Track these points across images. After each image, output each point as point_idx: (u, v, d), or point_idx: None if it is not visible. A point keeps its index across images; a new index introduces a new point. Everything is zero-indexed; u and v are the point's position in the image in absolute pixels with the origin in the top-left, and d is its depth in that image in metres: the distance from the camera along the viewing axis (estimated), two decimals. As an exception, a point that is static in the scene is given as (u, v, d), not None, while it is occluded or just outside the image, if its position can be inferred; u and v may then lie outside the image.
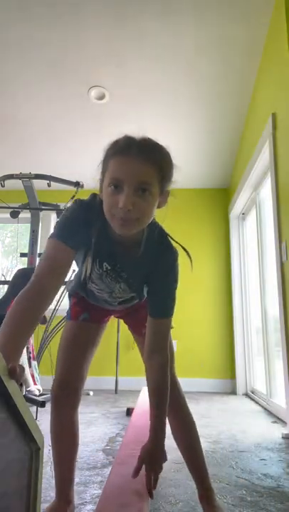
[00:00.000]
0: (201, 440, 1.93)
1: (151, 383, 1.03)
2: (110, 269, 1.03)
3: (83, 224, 0.96)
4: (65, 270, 0.92)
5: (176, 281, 1.13)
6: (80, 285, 1.10)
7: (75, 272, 1.14)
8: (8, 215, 3.43)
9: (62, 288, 3.80)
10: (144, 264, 1.05)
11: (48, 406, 2.90)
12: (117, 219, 0.89)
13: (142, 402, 2.16)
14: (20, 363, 2.49)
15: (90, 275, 1.03)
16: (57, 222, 0.97)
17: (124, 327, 3.37)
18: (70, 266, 0.95)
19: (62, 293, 3.54)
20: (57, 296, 4.13)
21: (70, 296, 1.23)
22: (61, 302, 3.56)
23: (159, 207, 1.02)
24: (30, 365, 2.47)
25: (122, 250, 1.01)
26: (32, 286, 0.85)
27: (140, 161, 0.90)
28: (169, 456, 1.69)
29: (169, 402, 1.03)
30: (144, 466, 0.97)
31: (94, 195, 1.01)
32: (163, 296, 1.11)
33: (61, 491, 1.08)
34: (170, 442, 1.90)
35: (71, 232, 0.94)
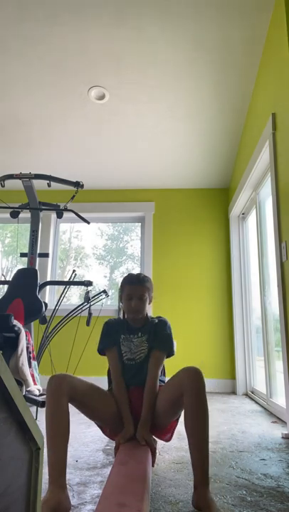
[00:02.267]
0: (201, 440, 1.93)
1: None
2: (127, 337, 1.76)
3: (112, 328, 1.79)
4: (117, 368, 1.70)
5: (170, 332, 1.76)
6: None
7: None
8: (8, 215, 3.43)
9: (62, 288, 3.77)
10: (148, 331, 1.75)
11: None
12: (131, 312, 1.75)
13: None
14: (21, 363, 2.46)
15: (119, 345, 1.73)
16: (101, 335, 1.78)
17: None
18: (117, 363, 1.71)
19: (62, 293, 3.54)
20: (57, 297, 4.12)
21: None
22: (61, 302, 3.56)
23: (149, 303, 1.82)
24: (30, 365, 2.47)
25: (133, 328, 1.78)
26: (115, 381, 1.66)
27: (139, 287, 1.75)
28: (168, 456, 1.69)
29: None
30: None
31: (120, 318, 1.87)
32: (161, 335, 1.73)
33: (56, 478, 1.19)
34: (169, 442, 1.90)
35: (109, 337, 1.76)
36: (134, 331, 1.76)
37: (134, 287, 1.76)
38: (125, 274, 1.88)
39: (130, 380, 1.67)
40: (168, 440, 1.64)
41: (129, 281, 1.79)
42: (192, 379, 1.44)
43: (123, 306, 1.82)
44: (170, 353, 1.72)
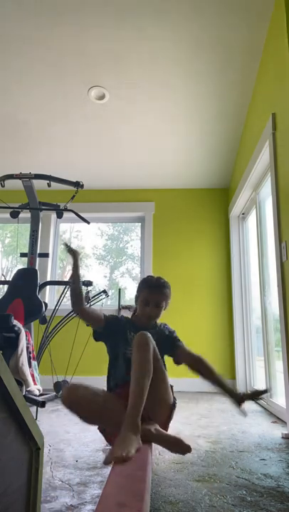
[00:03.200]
0: (201, 440, 1.94)
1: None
2: (131, 338, 1.73)
3: (117, 322, 1.82)
4: (91, 318, 1.77)
5: (175, 333, 1.86)
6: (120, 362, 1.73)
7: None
8: (8, 215, 3.43)
9: (62, 288, 3.78)
10: (154, 334, 1.67)
11: (48, 406, 2.89)
12: (145, 317, 1.79)
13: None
14: (21, 363, 2.46)
15: (128, 340, 1.74)
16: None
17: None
18: (93, 320, 1.78)
19: (62, 293, 3.54)
20: (57, 297, 4.13)
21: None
22: (61, 302, 3.56)
23: (164, 309, 1.83)
24: (30, 365, 2.47)
25: (142, 327, 1.76)
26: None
27: (157, 294, 1.77)
28: (168, 456, 1.69)
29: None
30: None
31: (123, 317, 1.89)
32: (174, 341, 1.82)
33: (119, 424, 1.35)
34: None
35: (111, 321, 1.80)
36: (140, 330, 1.73)
37: (153, 293, 1.76)
38: (145, 276, 1.87)
39: (126, 374, 1.64)
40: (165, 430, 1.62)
41: (149, 285, 1.78)
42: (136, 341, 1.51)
43: (138, 308, 1.82)
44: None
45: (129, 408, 1.35)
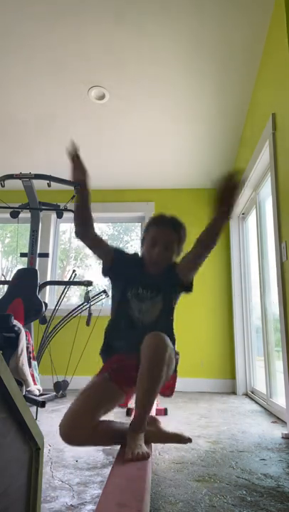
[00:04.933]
0: (201, 440, 1.94)
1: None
2: (140, 293, 1.50)
3: (120, 261, 1.54)
4: (95, 243, 1.53)
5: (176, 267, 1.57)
6: (116, 316, 1.53)
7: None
8: (8, 215, 3.43)
9: (62, 288, 3.79)
10: (164, 282, 1.53)
11: (48, 406, 2.89)
12: (151, 262, 1.50)
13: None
14: (21, 363, 2.45)
15: (127, 298, 1.49)
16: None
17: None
18: (98, 246, 1.54)
19: (62, 293, 3.54)
20: (57, 297, 4.13)
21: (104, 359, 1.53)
22: (61, 302, 3.56)
23: (176, 257, 1.56)
24: (30, 365, 2.48)
25: (150, 279, 1.53)
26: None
27: (168, 231, 1.49)
28: (168, 456, 1.69)
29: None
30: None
31: (136, 254, 1.63)
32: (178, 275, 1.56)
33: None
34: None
35: (120, 256, 1.56)
36: (149, 286, 1.49)
37: (162, 231, 1.47)
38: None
39: (129, 339, 1.44)
40: (169, 395, 1.52)
41: (158, 221, 1.51)
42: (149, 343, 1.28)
43: (144, 251, 1.53)
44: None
45: (138, 415, 1.27)
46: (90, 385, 1.37)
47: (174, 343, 1.55)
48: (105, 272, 1.57)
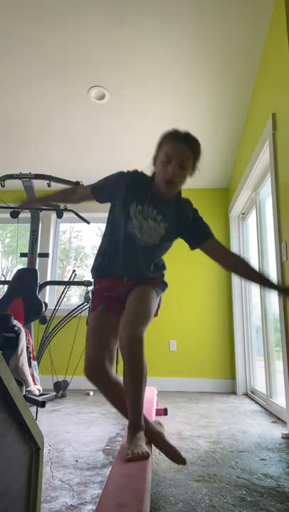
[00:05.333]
0: (201, 440, 1.94)
1: (232, 266, 1.54)
2: (144, 211, 1.43)
3: (124, 182, 1.49)
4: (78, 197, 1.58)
5: (202, 217, 1.57)
6: (113, 237, 1.49)
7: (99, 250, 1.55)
8: (8, 215, 3.43)
9: (62, 288, 3.79)
10: (173, 213, 1.47)
11: (48, 406, 2.89)
12: (165, 181, 1.39)
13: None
14: (21, 363, 2.45)
15: (128, 214, 1.42)
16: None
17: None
18: (82, 199, 1.57)
19: (62, 293, 3.54)
20: (57, 297, 4.13)
21: (94, 285, 1.56)
22: (61, 302, 3.56)
23: (190, 176, 1.49)
24: (30, 365, 2.48)
25: (158, 201, 1.45)
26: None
27: (183, 148, 1.39)
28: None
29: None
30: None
31: (137, 171, 1.56)
32: (202, 226, 1.55)
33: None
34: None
35: (103, 186, 1.53)
36: (156, 207, 1.43)
37: (178, 147, 1.38)
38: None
39: (125, 259, 1.44)
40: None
41: (172, 137, 1.41)
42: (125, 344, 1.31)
43: (156, 168, 1.44)
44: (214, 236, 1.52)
45: (131, 415, 1.32)
46: (92, 321, 1.47)
47: (163, 275, 1.57)
48: (103, 198, 1.53)
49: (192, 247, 1.55)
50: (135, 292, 1.45)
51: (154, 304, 1.46)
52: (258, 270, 1.46)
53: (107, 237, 1.52)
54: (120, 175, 1.52)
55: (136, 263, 1.46)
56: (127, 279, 1.48)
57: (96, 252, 1.57)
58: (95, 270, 1.54)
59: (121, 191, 1.46)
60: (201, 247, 1.51)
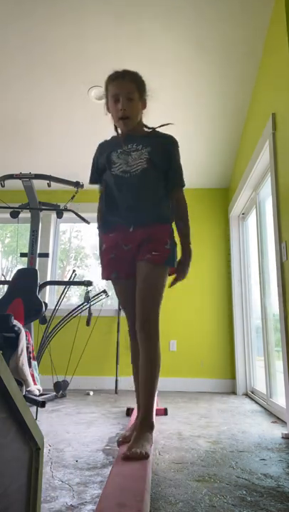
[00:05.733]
0: (201, 440, 1.94)
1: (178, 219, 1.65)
2: (124, 150, 1.56)
3: (104, 151, 1.62)
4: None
5: (179, 157, 1.65)
6: (107, 187, 1.59)
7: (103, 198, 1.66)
8: (8, 215, 3.43)
9: (62, 288, 3.78)
10: (151, 143, 1.58)
11: (48, 406, 2.89)
12: (120, 117, 1.51)
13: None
14: (21, 363, 2.46)
15: (112, 160, 1.55)
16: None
17: (124, 327, 3.36)
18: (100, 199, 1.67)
19: (62, 293, 3.54)
20: (57, 297, 4.13)
21: (101, 235, 1.66)
22: (61, 302, 3.56)
23: (143, 109, 1.65)
24: (30, 365, 2.47)
25: (132, 138, 1.58)
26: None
27: (125, 82, 1.52)
28: (168, 456, 1.69)
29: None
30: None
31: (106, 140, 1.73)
32: (173, 167, 1.60)
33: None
34: (169, 442, 1.90)
35: (97, 168, 1.68)
36: (132, 142, 1.56)
37: (120, 84, 1.51)
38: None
39: (122, 200, 1.53)
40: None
41: (112, 78, 1.54)
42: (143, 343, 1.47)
43: (111, 113, 1.59)
44: (183, 185, 1.63)
45: (143, 410, 1.43)
46: (119, 293, 1.64)
47: (168, 216, 1.61)
48: (99, 174, 1.68)
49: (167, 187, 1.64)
50: (142, 273, 1.51)
51: (163, 282, 1.53)
52: (183, 237, 1.62)
53: (103, 197, 1.64)
54: (96, 150, 1.71)
55: (134, 196, 1.52)
56: (132, 227, 1.52)
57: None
58: (100, 227, 1.64)
59: (102, 154, 1.63)
60: (169, 193, 1.63)
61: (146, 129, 1.65)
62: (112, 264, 1.57)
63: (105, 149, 1.62)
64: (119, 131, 1.63)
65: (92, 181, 1.71)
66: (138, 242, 1.53)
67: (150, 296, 1.48)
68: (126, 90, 1.50)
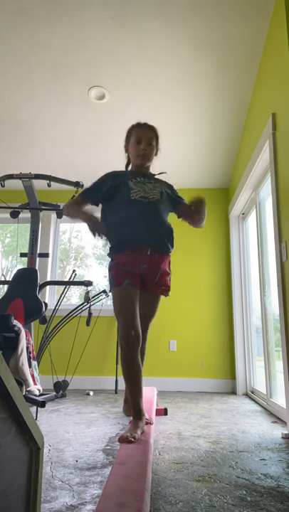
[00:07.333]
0: (201, 440, 1.94)
1: None
2: (139, 180, 1.87)
3: (112, 179, 1.89)
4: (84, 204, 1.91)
5: (176, 191, 2.07)
6: (124, 210, 1.80)
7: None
8: (8, 215, 3.43)
9: (62, 288, 3.78)
10: (159, 183, 1.94)
11: (48, 406, 2.89)
12: (140, 156, 1.87)
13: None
14: (21, 363, 2.47)
15: (129, 186, 1.81)
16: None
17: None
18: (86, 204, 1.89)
19: (62, 293, 3.54)
20: (57, 297, 4.13)
21: (113, 255, 1.85)
22: (61, 302, 3.56)
23: (155, 155, 1.97)
24: (30, 365, 2.47)
25: (143, 175, 1.91)
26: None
27: (148, 130, 1.86)
28: (168, 456, 1.69)
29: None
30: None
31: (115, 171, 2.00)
32: (179, 196, 2.05)
33: (138, 411, 1.65)
34: (169, 442, 1.90)
35: (92, 189, 1.93)
36: (144, 177, 1.87)
37: (144, 130, 1.85)
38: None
39: (140, 221, 1.75)
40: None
41: (138, 124, 1.89)
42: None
43: (130, 151, 1.91)
44: None
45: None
46: (122, 296, 1.74)
47: (172, 239, 1.91)
48: (103, 191, 1.90)
49: (177, 212, 2.00)
50: (148, 302, 1.89)
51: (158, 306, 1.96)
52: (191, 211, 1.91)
53: (112, 218, 1.82)
54: (105, 175, 1.93)
55: (152, 219, 1.78)
56: (150, 250, 1.77)
57: (106, 235, 1.84)
58: (113, 249, 1.81)
59: (115, 181, 1.86)
60: (177, 211, 1.99)
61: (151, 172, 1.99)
62: (125, 275, 1.78)
63: (119, 177, 1.86)
64: (130, 167, 1.96)
65: (85, 195, 1.91)
66: (152, 266, 1.81)
67: (152, 317, 1.95)
68: (148, 136, 1.85)
